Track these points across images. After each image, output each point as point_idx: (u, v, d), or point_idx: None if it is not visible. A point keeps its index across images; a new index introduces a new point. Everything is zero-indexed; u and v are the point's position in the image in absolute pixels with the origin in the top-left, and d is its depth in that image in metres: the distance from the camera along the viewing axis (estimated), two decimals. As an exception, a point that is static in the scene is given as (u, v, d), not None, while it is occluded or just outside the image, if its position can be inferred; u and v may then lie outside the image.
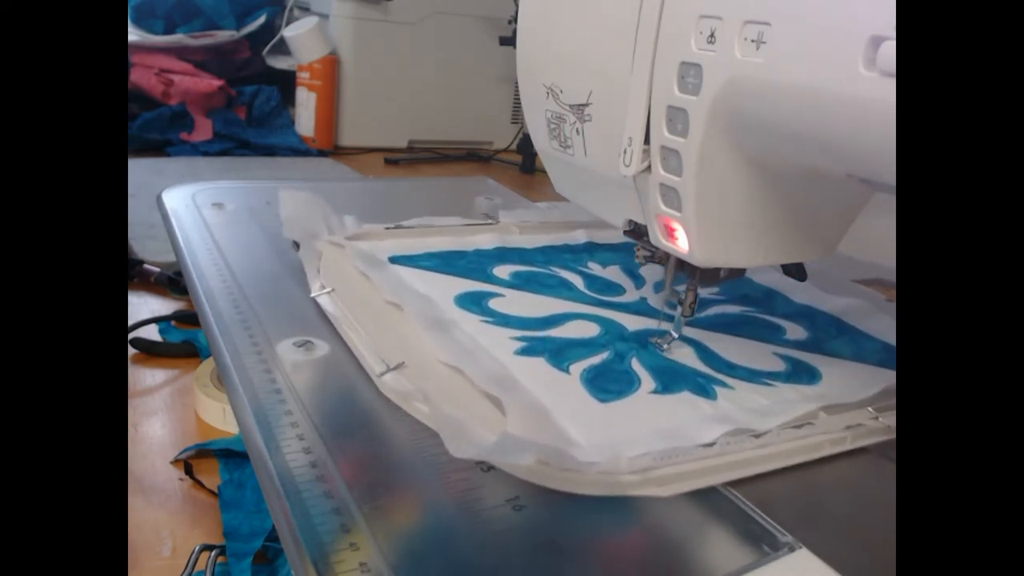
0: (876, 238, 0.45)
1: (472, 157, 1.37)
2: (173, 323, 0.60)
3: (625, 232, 0.40)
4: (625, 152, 0.34)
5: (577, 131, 0.39)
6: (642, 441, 0.31)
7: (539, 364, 0.38)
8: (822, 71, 0.25)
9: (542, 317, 0.44)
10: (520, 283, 0.49)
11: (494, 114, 1.45)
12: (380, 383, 0.35)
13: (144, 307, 0.63)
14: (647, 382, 0.38)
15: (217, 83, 1.23)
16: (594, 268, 0.54)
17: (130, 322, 0.57)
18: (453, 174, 1.25)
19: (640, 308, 0.47)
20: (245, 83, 1.30)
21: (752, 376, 0.39)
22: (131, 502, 0.40)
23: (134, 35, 1.24)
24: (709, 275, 0.39)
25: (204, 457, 0.44)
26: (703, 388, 0.37)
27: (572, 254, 0.56)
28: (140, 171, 0.96)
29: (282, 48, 1.34)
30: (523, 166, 1.30)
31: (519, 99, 0.92)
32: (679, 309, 0.40)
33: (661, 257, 0.39)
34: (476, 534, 0.26)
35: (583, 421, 0.33)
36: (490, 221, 0.61)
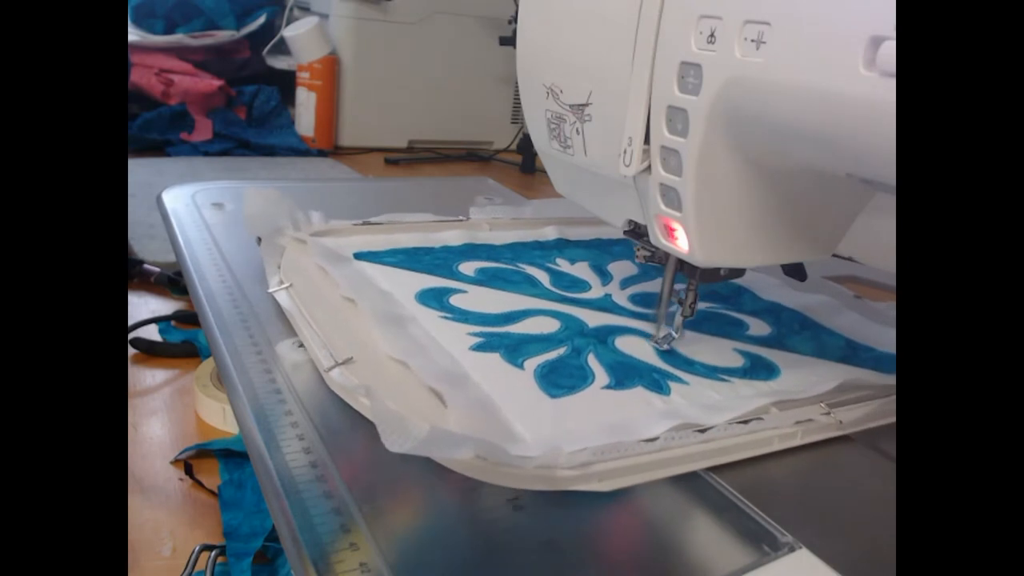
0: (876, 238, 0.45)
1: (472, 157, 1.37)
2: (173, 323, 0.60)
3: (625, 232, 0.40)
4: (625, 152, 0.34)
5: (577, 131, 0.39)
6: (587, 436, 0.31)
7: (493, 359, 0.38)
8: (822, 71, 0.25)
9: (502, 313, 0.44)
10: (485, 279, 0.49)
11: (494, 114, 1.45)
12: (327, 378, 0.35)
13: (144, 307, 0.63)
14: (601, 377, 0.37)
15: (217, 83, 1.23)
16: (562, 264, 0.54)
17: (130, 322, 0.57)
18: (453, 174, 1.25)
19: (604, 304, 0.47)
20: (245, 83, 1.30)
21: (709, 372, 0.39)
22: (131, 502, 0.40)
23: (134, 35, 1.23)
24: (709, 275, 0.39)
25: (204, 457, 0.44)
26: (657, 383, 0.37)
27: (542, 251, 0.56)
28: (140, 171, 0.96)
29: (282, 48, 1.33)
30: (523, 166, 1.29)
31: (519, 99, 0.91)
32: (680, 309, 0.40)
33: (661, 257, 0.39)
34: (476, 534, 0.26)
35: (531, 416, 0.33)
36: (461, 218, 0.60)
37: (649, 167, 0.34)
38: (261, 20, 1.35)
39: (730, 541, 0.27)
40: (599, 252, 0.57)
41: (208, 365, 0.52)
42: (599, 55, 0.35)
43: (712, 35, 0.29)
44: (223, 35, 1.30)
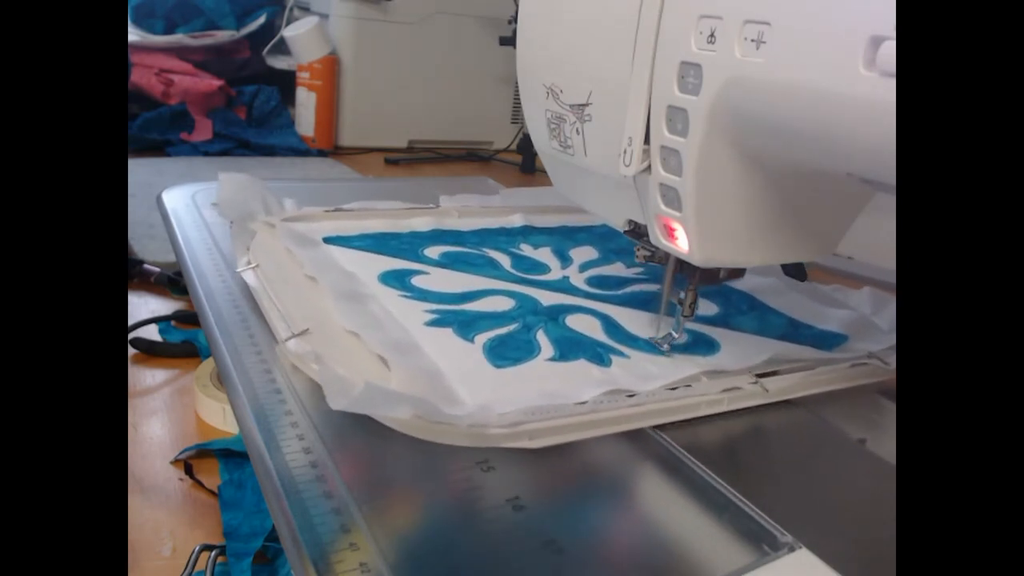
0: (876, 238, 0.45)
1: (472, 157, 1.37)
2: (173, 323, 0.60)
3: (625, 232, 0.40)
4: (625, 152, 0.34)
5: (577, 131, 0.39)
6: (522, 400, 0.32)
7: (446, 334, 0.40)
8: (822, 71, 0.25)
9: (459, 292, 0.46)
10: (448, 262, 0.51)
11: (494, 114, 1.44)
12: (284, 348, 0.37)
13: (144, 307, 0.63)
14: (547, 351, 0.39)
15: (217, 83, 1.23)
16: (525, 249, 0.55)
17: (130, 322, 0.57)
18: (453, 174, 1.25)
19: (561, 286, 0.49)
20: (245, 83, 1.30)
21: (651, 347, 0.41)
22: (131, 502, 0.40)
23: (134, 35, 1.23)
24: (709, 275, 0.39)
25: (204, 457, 0.44)
26: (600, 356, 0.39)
27: (507, 236, 0.58)
28: (140, 171, 0.96)
29: (282, 48, 1.33)
30: (523, 166, 1.29)
31: (519, 99, 0.91)
32: (680, 309, 0.40)
33: (661, 257, 0.39)
34: (476, 534, 0.26)
35: (474, 384, 0.35)
36: (431, 206, 0.62)
37: (649, 167, 0.34)
38: (261, 20, 1.35)
39: (730, 541, 0.27)
40: (562, 238, 0.59)
41: (208, 365, 0.51)
42: (599, 55, 0.35)
43: (712, 35, 0.29)
44: (223, 35, 1.30)
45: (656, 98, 0.32)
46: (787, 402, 0.38)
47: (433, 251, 0.52)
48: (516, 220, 0.61)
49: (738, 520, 0.28)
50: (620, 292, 0.49)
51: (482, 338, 0.40)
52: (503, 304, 0.45)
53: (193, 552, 0.35)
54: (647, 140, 0.33)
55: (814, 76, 0.25)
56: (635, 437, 0.33)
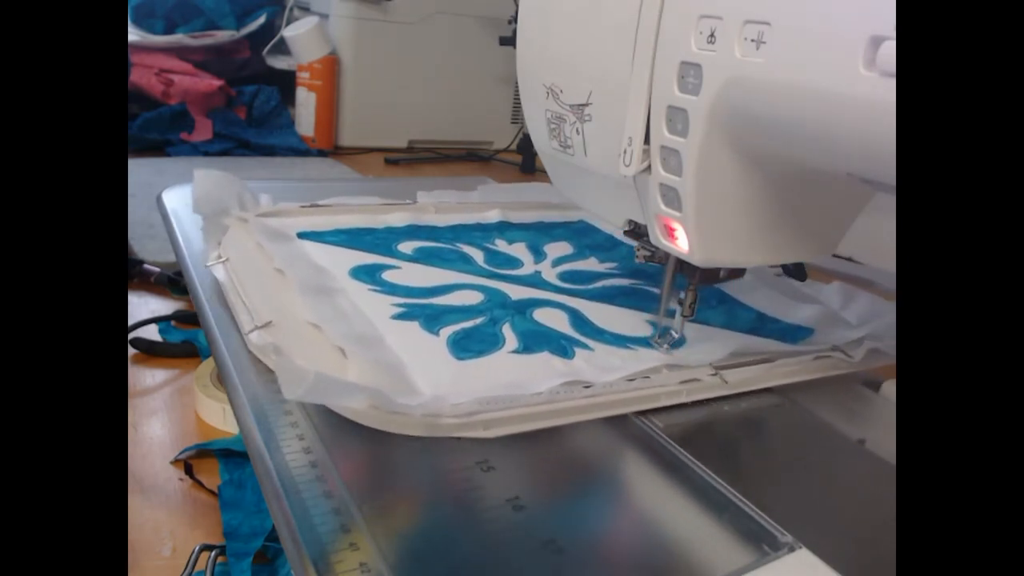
0: (876, 238, 0.45)
1: (472, 157, 1.37)
2: (173, 323, 0.60)
3: (625, 232, 0.40)
4: (625, 152, 0.34)
5: (577, 131, 0.39)
6: (480, 391, 0.32)
7: (411, 327, 0.40)
8: (822, 71, 0.25)
9: (428, 287, 0.45)
10: (421, 257, 0.50)
11: (494, 114, 1.44)
12: (247, 340, 0.37)
13: (144, 307, 0.63)
14: (511, 343, 0.39)
15: (217, 83, 1.23)
16: (500, 244, 0.55)
17: (130, 322, 0.57)
18: (453, 174, 1.25)
19: (532, 281, 0.49)
20: (245, 83, 1.30)
21: (617, 340, 0.41)
22: (131, 502, 0.40)
23: (134, 35, 1.23)
24: (709, 275, 0.39)
25: (204, 457, 0.44)
26: (563, 349, 0.39)
27: (482, 231, 0.58)
28: (140, 171, 0.96)
29: (282, 48, 1.33)
30: (523, 166, 1.29)
31: (519, 99, 0.91)
32: (679, 309, 0.40)
33: (661, 257, 0.39)
34: (476, 534, 0.26)
35: (435, 375, 0.35)
36: (408, 201, 0.62)
37: (649, 167, 0.34)
38: (261, 20, 1.35)
39: (730, 541, 0.27)
40: (538, 233, 0.59)
41: (208, 365, 0.51)
42: (599, 55, 0.35)
43: (712, 35, 0.29)
44: (223, 35, 1.30)
45: (656, 98, 0.32)
46: (781, 399, 0.38)
47: (407, 246, 0.52)
48: (493, 216, 0.61)
49: (738, 520, 0.28)
50: (591, 287, 0.49)
51: (447, 331, 0.40)
52: (472, 298, 0.45)
53: (193, 552, 0.35)
54: (647, 140, 0.33)
55: (814, 76, 0.25)
56: (634, 437, 0.33)
